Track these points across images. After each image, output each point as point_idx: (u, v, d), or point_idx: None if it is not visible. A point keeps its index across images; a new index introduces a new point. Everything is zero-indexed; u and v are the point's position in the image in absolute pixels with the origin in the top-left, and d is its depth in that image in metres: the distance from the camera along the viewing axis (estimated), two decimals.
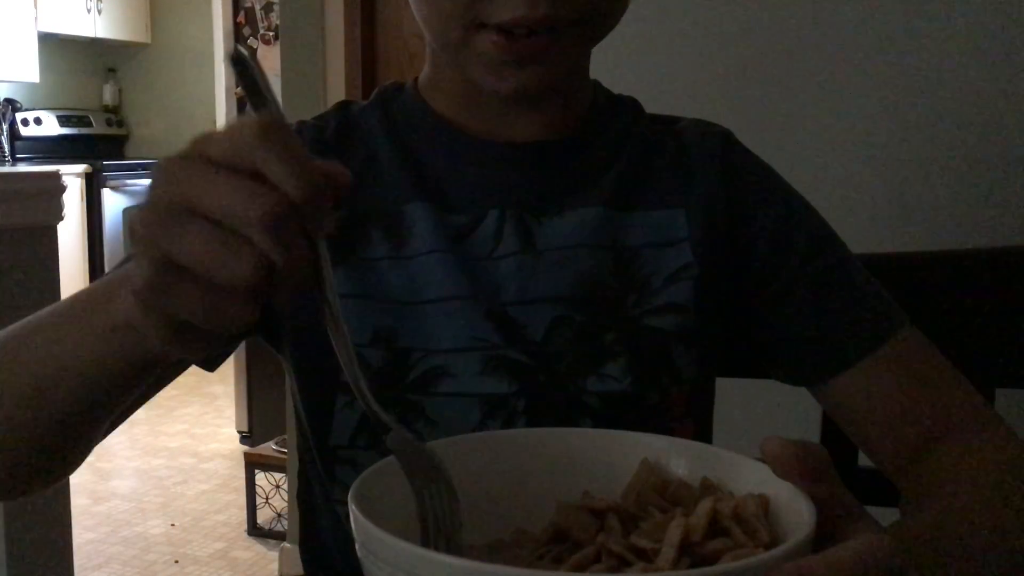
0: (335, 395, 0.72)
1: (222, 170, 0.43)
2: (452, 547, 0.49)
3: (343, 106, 0.81)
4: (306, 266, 0.45)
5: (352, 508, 0.45)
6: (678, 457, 0.53)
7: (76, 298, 0.64)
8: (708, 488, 0.50)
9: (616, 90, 0.83)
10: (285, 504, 2.91)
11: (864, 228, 1.41)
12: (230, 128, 0.44)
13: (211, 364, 0.77)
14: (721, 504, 0.46)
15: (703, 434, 0.80)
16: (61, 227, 1.78)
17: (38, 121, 6.03)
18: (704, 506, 0.44)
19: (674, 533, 0.43)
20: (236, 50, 0.45)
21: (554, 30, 0.66)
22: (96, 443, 0.68)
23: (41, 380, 0.61)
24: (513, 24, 0.65)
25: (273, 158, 0.43)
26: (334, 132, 0.78)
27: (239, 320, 0.45)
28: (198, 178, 0.43)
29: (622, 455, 0.54)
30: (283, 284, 0.44)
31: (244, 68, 0.45)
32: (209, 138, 0.45)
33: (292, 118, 0.80)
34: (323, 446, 0.74)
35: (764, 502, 0.47)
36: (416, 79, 0.80)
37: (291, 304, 0.51)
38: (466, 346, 0.71)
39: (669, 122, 0.82)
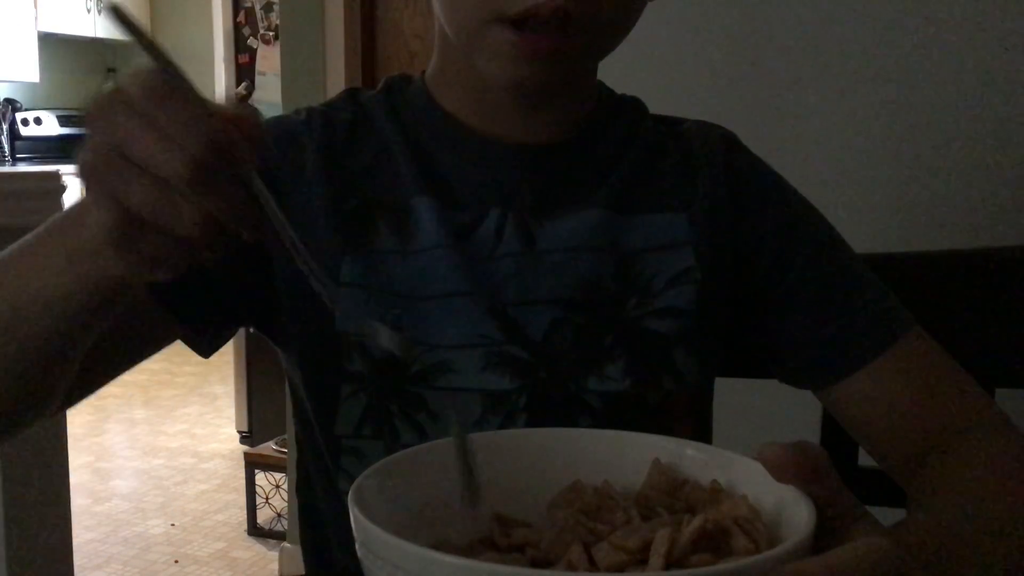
0: (340, 384, 0.72)
1: (140, 123, 0.46)
2: None
3: (352, 94, 0.81)
4: (249, 205, 0.48)
5: (352, 508, 0.45)
6: (684, 458, 0.53)
7: (49, 225, 0.62)
8: (716, 492, 0.50)
9: (620, 90, 0.83)
10: (285, 504, 2.91)
11: (864, 228, 1.41)
12: (128, 85, 0.47)
13: (206, 350, 0.76)
14: (728, 506, 0.46)
15: (703, 434, 0.80)
16: None
17: (38, 121, 6.03)
18: (693, 524, 0.44)
19: (661, 543, 0.43)
20: (114, 5, 0.48)
21: (565, 26, 0.66)
22: (69, 382, 0.66)
23: (13, 309, 0.60)
24: (529, 14, 0.65)
25: (167, 120, 0.46)
26: (347, 122, 0.77)
27: (205, 259, 0.50)
28: (122, 130, 0.47)
29: (629, 456, 0.54)
30: (238, 223, 0.48)
31: (124, 21, 0.47)
32: (118, 94, 0.47)
33: None
34: (328, 436, 0.74)
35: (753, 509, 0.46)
36: (423, 73, 0.80)
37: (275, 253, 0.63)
38: (468, 342, 0.71)
39: (673, 123, 0.82)
